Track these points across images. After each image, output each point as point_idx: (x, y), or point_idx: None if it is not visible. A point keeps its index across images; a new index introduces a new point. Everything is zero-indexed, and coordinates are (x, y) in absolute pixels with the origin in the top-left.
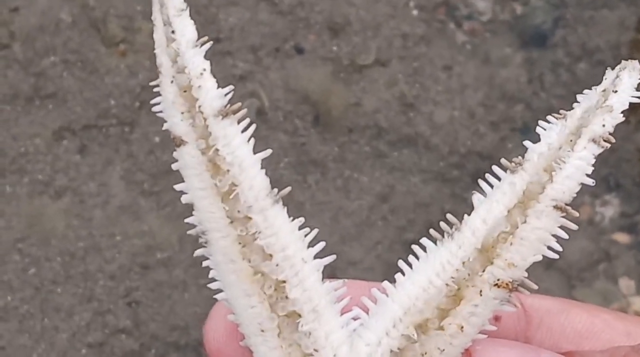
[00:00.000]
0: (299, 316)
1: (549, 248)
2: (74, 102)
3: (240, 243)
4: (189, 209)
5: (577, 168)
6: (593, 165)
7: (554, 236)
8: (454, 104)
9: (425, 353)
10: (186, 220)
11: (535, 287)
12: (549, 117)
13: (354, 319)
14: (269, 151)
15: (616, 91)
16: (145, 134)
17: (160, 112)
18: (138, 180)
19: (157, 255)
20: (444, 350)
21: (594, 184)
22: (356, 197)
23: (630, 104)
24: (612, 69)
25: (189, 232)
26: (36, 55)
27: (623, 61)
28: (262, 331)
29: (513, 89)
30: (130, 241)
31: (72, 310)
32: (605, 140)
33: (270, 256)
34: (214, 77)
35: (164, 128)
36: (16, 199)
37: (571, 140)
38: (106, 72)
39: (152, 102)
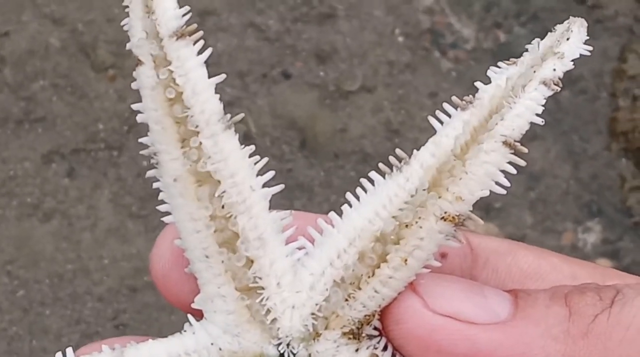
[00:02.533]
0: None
1: (497, 183)
2: (63, 126)
3: (189, 166)
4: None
5: (527, 107)
6: (576, 188)
7: (502, 171)
8: None
9: (368, 284)
10: (139, 139)
11: (481, 222)
12: (499, 63)
13: (299, 248)
14: (223, 76)
15: (568, 39)
16: (133, 158)
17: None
18: (126, 203)
19: (144, 278)
20: (387, 282)
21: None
22: None
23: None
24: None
25: (141, 152)
26: (26, 79)
27: (571, 17)
28: (207, 256)
29: None
30: (119, 264)
31: (60, 332)
32: (555, 84)
33: (219, 181)
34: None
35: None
36: (5, 221)
37: (522, 84)
38: (95, 97)
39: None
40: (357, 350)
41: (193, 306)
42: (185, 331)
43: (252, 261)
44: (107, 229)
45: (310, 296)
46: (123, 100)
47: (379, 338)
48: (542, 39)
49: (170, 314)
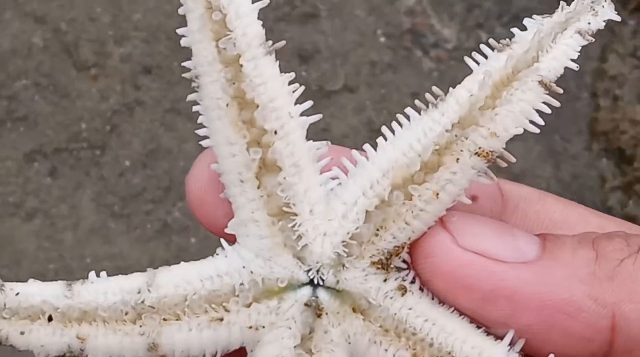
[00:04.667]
0: (280, 169)
1: (531, 122)
2: (46, 125)
3: (230, 89)
4: (159, 232)
5: (563, 52)
6: (557, 188)
7: (537, 111)
8: None
9: (399, 215)
10: (183, 63)
11: (514, 160)
12: (534, 16)
13: (333, 179)
14: (266, 1)
15: (603, 5)
16: (115, 158)
17: None
18: (108, 203)
19: None
20: (417, 215)
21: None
22: None
23: None
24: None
25: (183, 75)
26: (8, 79)
27: None
28: (242, 181)
29: None
30: (101, 263)
31: None
32: (590, 35)
33: (258, 105)
34: None
35: None
36: None
37: (557, 32)
38: (77, 96)
39: None
40: (385, 280)
41: (227, 230)
42: (217, 254)
43: (287, 187)
44: (89, 228)
45: (342, 224)
46: (105, 99)
47: (407, 271)
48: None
49: None
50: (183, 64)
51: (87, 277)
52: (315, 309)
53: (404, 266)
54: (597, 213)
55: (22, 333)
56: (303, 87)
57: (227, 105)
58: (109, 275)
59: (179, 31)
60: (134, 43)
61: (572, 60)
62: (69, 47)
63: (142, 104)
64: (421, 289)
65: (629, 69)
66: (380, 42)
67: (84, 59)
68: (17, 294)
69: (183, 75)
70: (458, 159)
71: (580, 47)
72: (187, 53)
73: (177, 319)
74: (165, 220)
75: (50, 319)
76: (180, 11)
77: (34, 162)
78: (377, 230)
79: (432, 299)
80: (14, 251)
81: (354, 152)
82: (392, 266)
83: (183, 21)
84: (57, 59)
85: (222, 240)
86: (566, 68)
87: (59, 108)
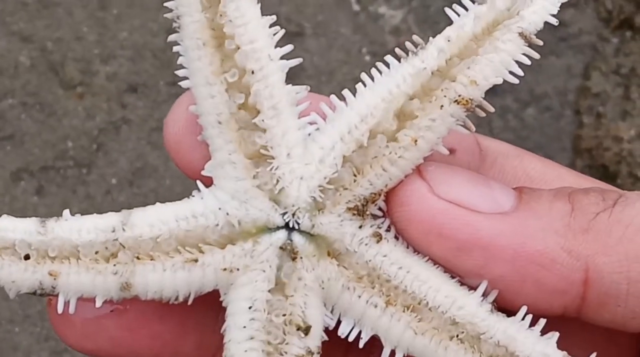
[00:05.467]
0: (258, 111)
1: (511, 73)
2: (32, 143)
3: (210, 30)
4: None
5: (543, 6)
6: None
7: (516, 62)
8: None
9: (377, 162)
10: (165, 3)
11: (492, 109)
12: None
13: (311, 124)
14: None
15: None
16: (102, 176)
17: None
18: None
19: None
20: (395, 161)
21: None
22: None
23: None
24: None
25: (165, 15)
26: None
27: None
28: (220, 122)
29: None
30: None
31: (29, 349)
32: None
33: (238, 47)
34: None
35: None
36: None
37: None
38: (64, 115)
39: None
40: (360, 227)
41: (203, 173)
42: (193, 196)
43: (264, 130)
44: None
45: (319, 168)
46: (92, 118)
47: (383, 219)
48: None
49: None
50: (165, 4)
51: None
52: (290, 253)
53: (379, 213)
54: (574, 172)
55: None
56: (284, 31)
57: (206, 45)
58: None
59: None
60: (119, 62)
61: (553, 16)
62: (56, 66)
63: (129, 123)
64: (396, 238)
65: (612, 86)
66: (366, 60)
67: (70, 77)
68: None
69: (165, 15)
70: (437, 106)
71: (559, 3)
72: (173, 72)
73: (151, 259)
74: None
75: (27, 257)
76: None
77: (20, 180)
78: (354, 176)
79: (407, 248)
80: None
81: (333, 97)
82: (368, 212)
83: (168, 37)
84: (44, 78)
85: (198, 182)
86: (550, 82)
87: (46, 126)
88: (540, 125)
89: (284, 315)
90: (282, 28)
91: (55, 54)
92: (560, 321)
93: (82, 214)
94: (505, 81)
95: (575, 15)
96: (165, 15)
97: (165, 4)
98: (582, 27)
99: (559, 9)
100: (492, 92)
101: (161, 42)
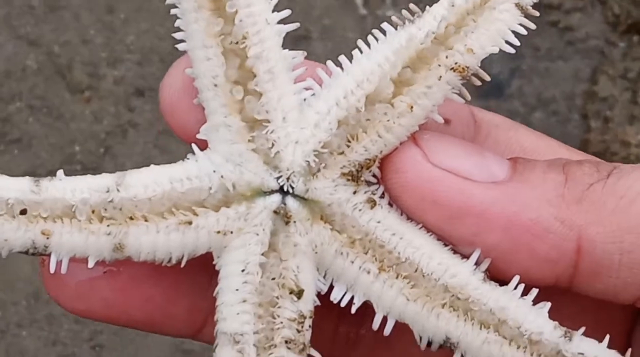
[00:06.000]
0: (254, 75)
1: (507, 42)
2: (40, 147)
3: None
4: None
5: None
6: None
7: (513, 32)
8: None
9: (372, 127)
10: None
11: (488, 78)
12: None
13: (307, 89)
14: None
15: None
16: None
17: None
18: None
19: None
20: (390, 128)
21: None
22: None
23: None
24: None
25: None
26: (2, 101)
27: None
28: (215, 85)
29: None
30: None
31: (37, 353)
32: None
33: (236, 10)
34: None
35: None
36: None
37: None
38: (71, 118)
39: None
40: (354, 193)
41: (198, 136)
42: (188, 159)
43: (260, 94)
44: None
45: (314, 133)
46: (99, 121)
47: (377, 186)
48: None
49: (146, 336)
50: None
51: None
52: (284, 217)
53: (374, 180)
54: (567, 146)
55: None
56: None
57: (203, 7)
58: None
59: None
60: (127, 65)
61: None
62: (63, 69)
63: (136, 126)
64: (390, 205)
65: (619, 90)
66: None
67: (77, 81)
68: None
69: None
70: (433, 73)
71: None
72: None
73: (145, 221)
74: None
75: (23, 211)
76: None
77: None
78: (349, 141)
79: (401, 215)
80: (9, 273)
81: (329, 63)
82: (362, 178)
83: (176, 42)
84: (51, 82)
85: (193, 145)
86: (557, 87)
87: (53, 130)
88: (548, 129)
89: (277, 278)
90: (289, 31)
91: (62, 57)
92: (552, 293)
93: None
94: (512, 86)
95: (582, 20)
96: None
97: None
98: (589, 32)
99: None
100: (499, 97)
101: (168, 46)
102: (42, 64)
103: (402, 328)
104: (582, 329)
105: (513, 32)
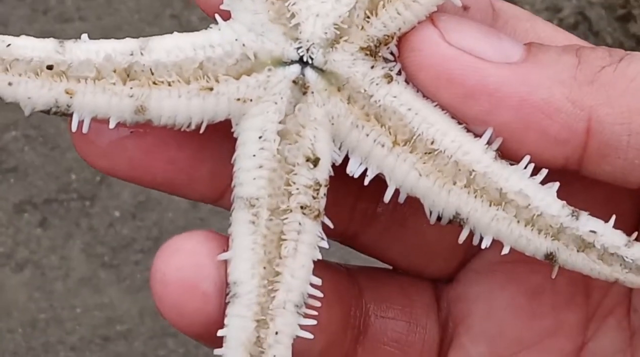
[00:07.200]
0: None
1: None
2: (36, 176)
3: None
4: (148, 282)
5: None
6: None
7: None
8: None
9: (391, 3)
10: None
11: None
12: None
13: None
14: None
15: None
16: (105, 208)
17: None
18: (98, 253)
19: (117, 327)
20: (409, 5)
21: None
22: None
23: None
24: None
25: None
26: None
27: None
28: None
29: None
30: (91, 313)
31: None
32: None
33: None
34: None
35: None
36: None
37: None
38: (67, 148)
39: None
40: (372, 67)
41: (222, 6)
42: (210, 28)
43: None
44: (79, 278)
45: (334, 7)
46: None
47: (394, 63)
48: None
49: None
50: None
51: None
52: (302, 87)
53: (391, 58)
54: (585, 42)
55: (10, 84)
56: None
57: None
58: (99, 326)
59: None
60: None
61: None
62: None
63: None
64: (407, 83)
65: None
66: None
67: None
68: (8, 45)
69: None
70: None
71: None
72: None
73: (168, 85)
74: None
75: (49, 67)
76: None
77: (24, 212)
78: (368, 16)
79: (417, 93)
80: (5, 301)
81: None
82: (380, 54)
83: None
84: None
85: (216, 16)
86: None
87: (49, 159)
88: None
89: (293, 146)
90: None
91: None
92: (562, 178)
93: (85, 244)
94: None
95: None
96: None
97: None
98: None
99: None
100: None
101: None
102: None
103: (416, 206)
104: (589, 212)
105: None
